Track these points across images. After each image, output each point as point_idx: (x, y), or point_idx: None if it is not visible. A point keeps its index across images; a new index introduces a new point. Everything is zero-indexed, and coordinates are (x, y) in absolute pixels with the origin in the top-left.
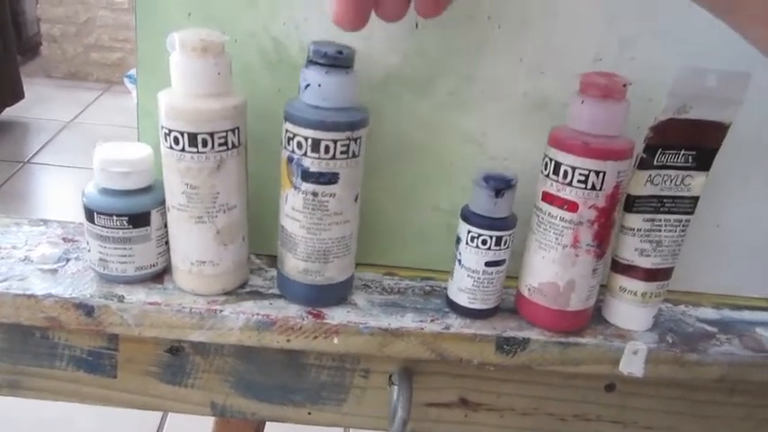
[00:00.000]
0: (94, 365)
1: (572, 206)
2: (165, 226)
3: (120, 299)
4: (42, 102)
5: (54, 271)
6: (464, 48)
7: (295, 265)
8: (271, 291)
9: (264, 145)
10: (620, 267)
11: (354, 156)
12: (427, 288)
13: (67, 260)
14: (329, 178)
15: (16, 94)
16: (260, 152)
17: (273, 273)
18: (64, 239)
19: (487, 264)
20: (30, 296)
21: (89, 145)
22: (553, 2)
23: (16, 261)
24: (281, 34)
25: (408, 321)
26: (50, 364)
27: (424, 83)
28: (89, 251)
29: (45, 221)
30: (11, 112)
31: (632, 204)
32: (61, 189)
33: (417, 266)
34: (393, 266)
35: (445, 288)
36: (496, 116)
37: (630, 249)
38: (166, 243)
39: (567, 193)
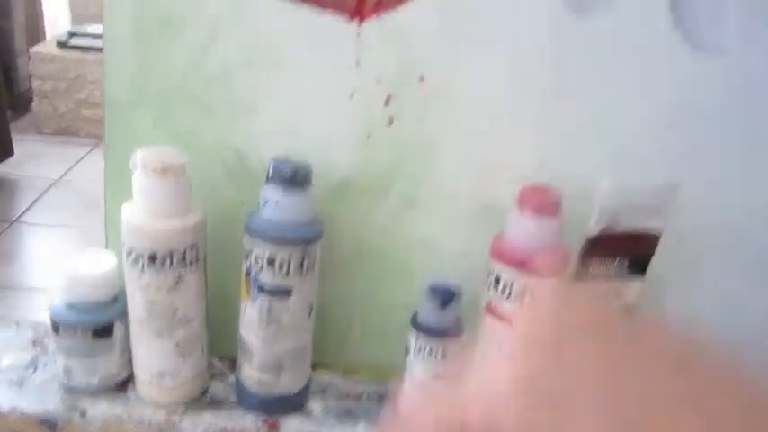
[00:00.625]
0: None
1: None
2: (129, 336)
3: (83, 413)
4: (32, 158)
5: (21, 382)
6: (416, 152)
7: (251, 374)
8: (230, 398)
9: (227, 251)
10: None
11: (309, 270)
12: (381, 393)
13: (35, 368)
14: (283, 293)
15: (6, 151)
16: (223, 258)
17: (234, 378)
18: (34, 343)
19: (435, 375)
20: None
21: (78, 203)
22: (498, 110)
23: None
24: (242, 146)
25: (361, 431)
26: None
27: (379, 188)
28: (55, 361)
29: (17, 323)
30: (0, 169)
31: None
32: (50, 249)
33: (376, 365)
34: (352, 366)
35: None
36: (447, 218)
37: None
38: (130, 353)
39: (506, 307)
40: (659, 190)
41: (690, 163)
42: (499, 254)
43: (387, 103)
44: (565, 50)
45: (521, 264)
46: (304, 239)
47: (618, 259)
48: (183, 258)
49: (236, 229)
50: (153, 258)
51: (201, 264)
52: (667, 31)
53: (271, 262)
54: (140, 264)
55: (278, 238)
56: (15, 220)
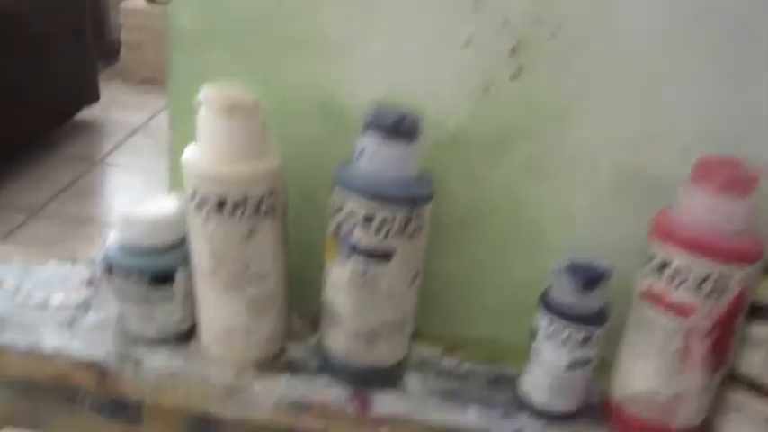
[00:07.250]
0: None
1: (681, 311)
2: (192, 286)
3: (137, 363)
4: (118, 105)
5: (71, 323)
6: (547, 112)
7: (338, 341)
8: (310, 363)
9: (315, 197)
10: (742, 384)
11: (415, 234)
12: (492, 376)
13: (88, 309)
14: (382, 256)
15: (93, 96)
16: (310, 205)
17: (314, 341)
18: (89, 282)
19: (571, 363)
20: (39, 353)
21: (161, 149)
22: (656, 64)
23: (32, 308)
24: (332, 88)
25: (472, 418)
26: (70, 408)
27: (499, 147)
28: (110, 305)
29: (73, 260)
30: (86, 113)
31: (759, 314)
32: (130, 189)
33: (483, 344)
34: (456, 341)
35: (514, 377)
36: (585, 189)
37: (756, 365)
38: (193, 304)
39: (677, 297)
40: None
41: None
42: (668, 234)
43: (513, 52)
44: None
45: (699, 247)
46: (411, 198)
47: None
48: (257, 208)
49: (322, 172)
50: (220, 205)
51: (279, 215)
52: None
53: (368, 220)
54: (204, 210)
55: (380, 194)
56: (100, 161)
